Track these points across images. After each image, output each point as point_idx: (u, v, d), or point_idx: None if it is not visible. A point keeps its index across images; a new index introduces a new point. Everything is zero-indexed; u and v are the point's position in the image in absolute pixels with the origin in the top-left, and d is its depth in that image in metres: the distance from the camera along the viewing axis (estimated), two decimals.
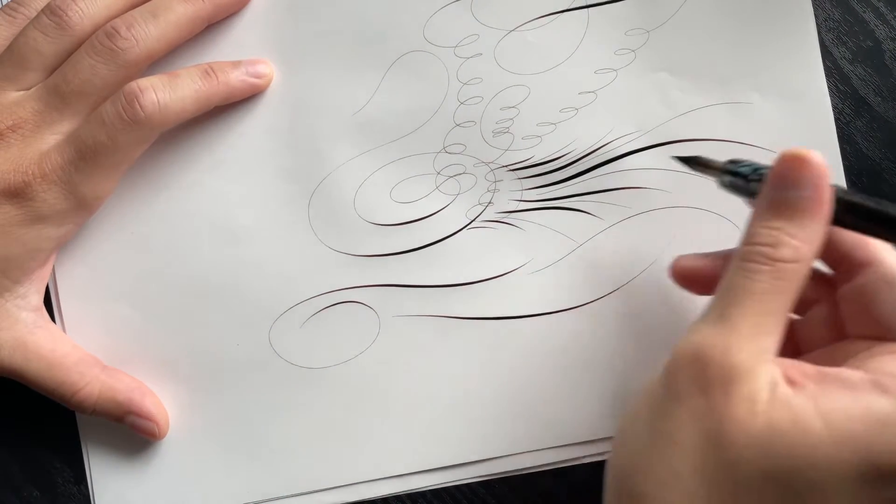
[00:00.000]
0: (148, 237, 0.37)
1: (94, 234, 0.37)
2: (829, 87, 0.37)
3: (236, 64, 0.36)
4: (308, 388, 0.36)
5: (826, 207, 0.28)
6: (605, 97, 0.37)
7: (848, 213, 0.28)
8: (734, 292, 0.27)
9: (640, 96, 0.37)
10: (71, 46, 0.34)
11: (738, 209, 0.36)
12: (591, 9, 0.37)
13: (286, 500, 0.36)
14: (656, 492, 0.26)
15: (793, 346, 0.32)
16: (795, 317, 0.32)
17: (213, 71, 0.35)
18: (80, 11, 0.34)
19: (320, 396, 0.36)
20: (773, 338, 0.27)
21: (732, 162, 0.31)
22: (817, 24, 0.37)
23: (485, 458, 0.36)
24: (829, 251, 0.30)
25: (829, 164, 0.28)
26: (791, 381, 0.26)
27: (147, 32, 0.34)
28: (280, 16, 0.37)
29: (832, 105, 0.37)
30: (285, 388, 0.36)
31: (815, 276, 0.31)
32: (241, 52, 0.36)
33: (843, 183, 0.36)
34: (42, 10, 0.34)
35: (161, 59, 0.35)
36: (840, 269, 0.31)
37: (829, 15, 0.37)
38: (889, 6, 0.38)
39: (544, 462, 0.36)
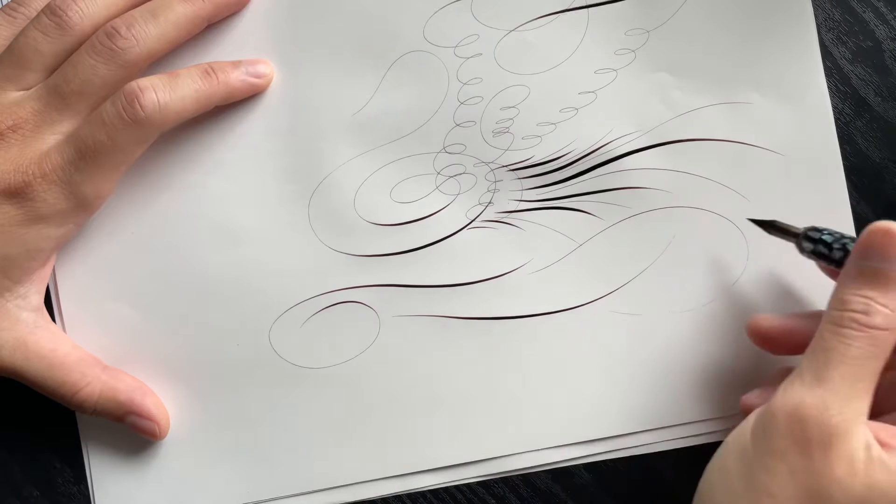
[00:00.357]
0: (148, 237, 0.37)
1: (94, 234, 0.37)
2: (829, 87, 0.37)
3: (236, 64, 0.36)
4: (308, 388, 0.36)
5: None
6: (605, 97, 0.37)
7: None
8: (829, 355, 0.28)
9: (640, 96, 0.37)
10: (71, 46, 0.34)
11: (738, 209, 0.36)
12: (590, 9, 0.37)
13: (286, 500, 0.36)
14: None
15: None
16: None
17: (213, 71, 0.35)
18: (80, 11, 0.34)
19: (320, 396, 0.36)
20: (866, 401, 0.28)
21: (814, 230, 0.32)
22: (817, 24, 0.37)
23: (485, 458, 0.36)
24: None
25: None
26: (883, 443, 0.28)
27: (147, 32, 0.34)
28: (280, 16, 0.37)
29: (832, 105, 0.37)
30: (285, 388, 0.36)
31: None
32: (242, 52, 0.36)
33: (843, 183, 0.36)
34: (42, 10, 0.34)
35: (161, 59, 0.35)
36: None
37: (829, 15, 0.37)
38: (889, 6, 0.37)
39: (544, 462, 0.36)
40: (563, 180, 0.37)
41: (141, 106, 0.33)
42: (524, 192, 0.37)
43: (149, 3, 0.34)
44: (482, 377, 0.36)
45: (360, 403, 0.36)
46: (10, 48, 0.34)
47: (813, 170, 0.36)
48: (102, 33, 0.33)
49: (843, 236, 0.32)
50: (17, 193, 0.33)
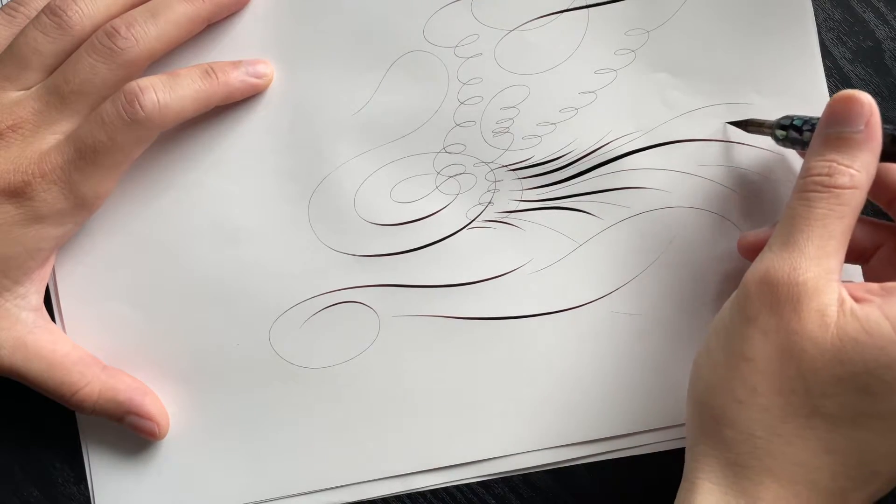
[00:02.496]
0: (148, 237, 0.37)
1: (93, 234, 0.37)
2: (829, 87, 0.37)
3: (236, 64, 0.36)
4: (308, 388, 0.36)
5: (876, 140, 0.29)
6: (605, 97, 0.37)
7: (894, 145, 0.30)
8: (796, 220, 0.29)
9: (641, 96, 0.37)
10: (71, 46, 0.34)
11: (737, 210, 0.36)
12: (591, 9, 0.37)
13: (286, 500, 0.36)
14: (735, 409, 0.28)
15: None
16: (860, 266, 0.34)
17: (213, 71, 0.35)
18: (80, 11, 0.34)
19: (320, 396, 0.36)
20: (836, 259, 0.29)
21: (786, 118, 0.33)
22: (817, 24, 0.37)
23: (485, 458, 0.36)
24: (882, 194, 0.32)
25: (876, 104, 0.29)
26: (857, 299, 0.28)
27: (147, 32, 0.34)
28: (280, 16, 0.37)
29: None
30: (285, 388, 0.36)
31: (876, 224, 0.33)
32: (242, 52, 0.36)
33: None
34: (42, 10, 0.34)
35: (161, 59, 0.35)
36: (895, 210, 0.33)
37: (829, 15, 0.37)
38: (889, 6, 0.37)
39: (544, 462, 0.36)
40: (563, 180, 0.37)
41: (141, 106, 0.33)
42: (524, 192, 0.37)
43: (149, 2, 0.34)
44: (482, 377, 0.36)
45: (360, 403, 0.36)
46: (10, 48, 0.34)
47: None
48: (102, 33, 0.33)
49: (811, 118, 0.32)
50: (16, 193, 0.33)
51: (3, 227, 0.33)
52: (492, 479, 0.37)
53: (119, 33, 0.33)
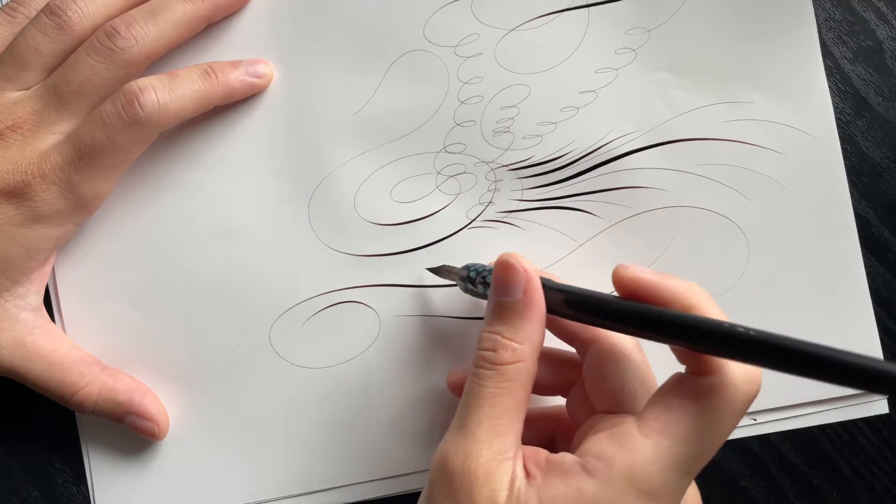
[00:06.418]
0: (148, 237, 0.37)
1: (93, 234, 0.36)
2: (829, 87, 0.37)
3: (236, 64, 0.36)
4: (308, 388, 0.36)
5: (537, 308, 0.29)
6: (606, 96, 0.36)
7: (567, 307, 0.30)
8: (468, 400, 0.29)
9: (641, 96, 0.36)
10: (70, 46, 0.34)
11: (738, 209, 0.36)
12: (591, 8, 0.36)
13: (286, 500, 0.36)
14: None
15: (566, 425, 0.34)
16: (562, 400, 0.34)
17: (213, 71, 0.35)
18: (80, 11, 0.34)
19: (320, 396, 0.36)
20: (510, 437, 0.28)
21: (465, 267, 0.33)
22: (818, 24, 0.37)
23: None
24: (563, 334, 0.32)
25: (533, 268, 0.29)
26: (528, 474, 0.28)
27: (146, 32, 0.33)
28: (280, 16, 0.36)
29: (833, 104, 0.36)
30: (285, 388, 0.36)
31: (569, 358, 0.33)
32: (242, 52, 0.36)
33: (844, 183, 0.36)
34: (42, 10, 0.34)
35: (161, 59, 0.35)
36: (577, 349, 0.33)
37: (829, 14, 0.37)
38: (890, 6, 0.37)
39: None
40: (563, 180, 0.37)
41: (140, 106, 0.33)
42: (525, 191, 0.37)
43: (148, 2, 0.34)
44: None
45: (360, 403, 0.36)
46: (10, 48, 0.34)
47: (813, 169, 0.36)
48: (102, 33, 0.33)
49: (485, 269, 0.32)
50: (16, 193, 0.33)
51: (2, 227, 0.33)
52: None
53: (119, 33, 0.33)
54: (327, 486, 0.36)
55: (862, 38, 0.37)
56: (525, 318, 0.29)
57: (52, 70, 0.34)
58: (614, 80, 0.37)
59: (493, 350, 0.29)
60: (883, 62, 0.37)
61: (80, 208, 0.34)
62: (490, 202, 0.37)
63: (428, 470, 0.36)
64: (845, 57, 0.37)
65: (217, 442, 0.36)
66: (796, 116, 0.36)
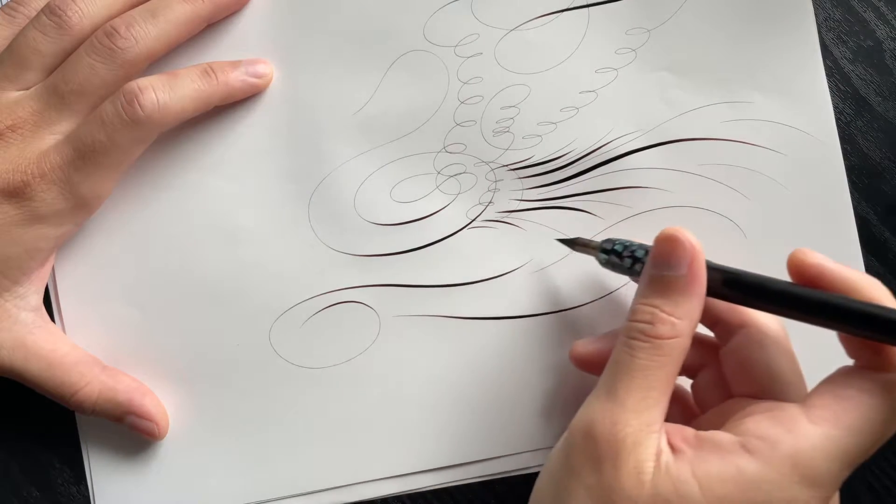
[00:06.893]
0: (148, 237, 0.37)
1: (93, 234, 0.36)
2: (829, 87, 0.37)
3: (236, 64, 0.36)
4: (308, 388, 0.36)
5: (700, 285, 0.29)
6: (606, 96, 0.37)
7: (725, 287, 0.29)
8: (619, 368, 0.29)
9: (641, 95, 0.36)
10: (70, 46, 0.34)
11: (739, 208, 0.36)
12: (591, 8, 0.36)
13: (286, 500, 0.36)
14: None
15: (689, 408, 0.33)
16: (688, 381, 0.34)
17: (213, 71, 0.35)
18: (80, 11, 0.34)
19: (320, 396, 0.36)
20: (657, 410, 0.28)
21: (608, 241, 0.33)
22: (818, 24, 0.37)
23: (485, 458, 0.36)
24: (706, 316, 0.32)
25: (699, 244, 0.29)
26: (673, 448, 0.28)
27: (146, 32, 0.33)
28: (280, 16, 0.37)
29: (833, 104, 0.37)
30: (285, 388, 0.36)
31: (702, 340, 0.33)
32: (241, 52, 0.36)
33: (844, 183, 0.36)
34: (42, 10, 0.34)
35: (161, 59, 0.35)
36: (718, 333, 0.32)
37: (829, 14, 0.37)
38: (889, 6, 0.37)
39: (544, 462, 0.36)
40: (563, 180, 0.37)
41: (140, 106, 0.33)
42: (525, 191, 0.37)
43: (148, 2, 0.34)
44: (482, 377, 0.36)
45: (360, 403, 0.36)
46: (10, 48, 0.34)
47: (813, 169, 0.36)
48: (102, 33, 0.33)
49: (633, 245, 0.32)
50: (15, 193, 0.33)
51: (2, 227, 0.33)
52: (492, 479, 0.36)
53: (118, 33, 0.33)
54: (327, 486, 0.36)
55: (862, 38, 0.37)
56: (688, 293, 0.29)
57: (52, 70, 0.34)
58: (614, 80, 0.37)
59: (651, 323, 0.29)
60: (883, 62, 0.37)
61: (80, 208, 0.34)
62: (490, 202, 0.37)
63: (428, 470, 0.37)
64: (845, 57, 0.37)
65: (217, 442, 0.36)
66: (796, 116, 0.36)
